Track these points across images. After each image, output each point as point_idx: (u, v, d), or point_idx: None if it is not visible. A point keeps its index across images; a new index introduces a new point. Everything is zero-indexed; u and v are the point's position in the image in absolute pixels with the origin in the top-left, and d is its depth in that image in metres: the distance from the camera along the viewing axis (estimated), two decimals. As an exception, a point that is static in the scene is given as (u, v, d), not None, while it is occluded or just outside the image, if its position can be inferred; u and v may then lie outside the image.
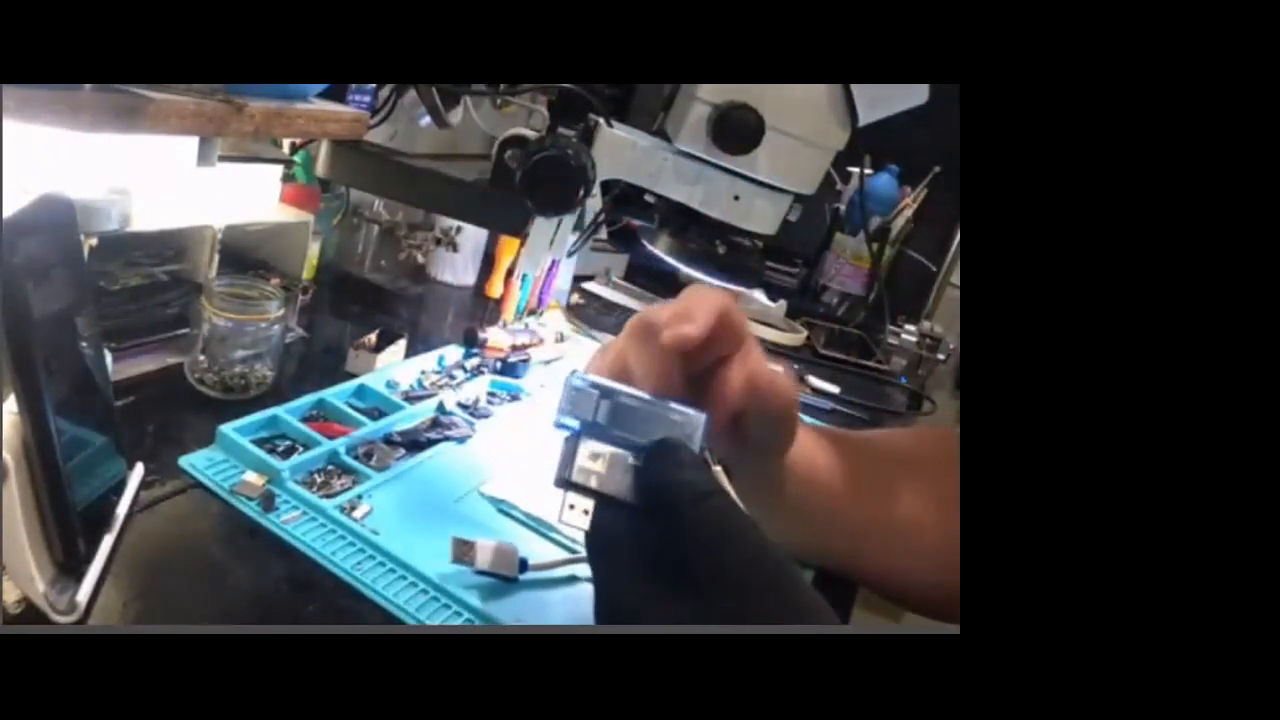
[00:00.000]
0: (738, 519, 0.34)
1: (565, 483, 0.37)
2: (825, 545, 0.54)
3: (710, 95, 0.70)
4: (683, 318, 0.40)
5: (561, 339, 0.87)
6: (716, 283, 0.77)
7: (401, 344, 0.73)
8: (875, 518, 0.52)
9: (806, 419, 0.49)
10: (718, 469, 0.38)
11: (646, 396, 0.38)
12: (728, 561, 0.32)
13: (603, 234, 0.86)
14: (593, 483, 0.36)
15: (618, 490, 0.36)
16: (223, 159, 0.64)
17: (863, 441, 0.57)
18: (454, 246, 1.01)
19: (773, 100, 0.70)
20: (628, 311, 1.13)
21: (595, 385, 0.38)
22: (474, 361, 0.76)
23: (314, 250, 0.85)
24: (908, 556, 0.52)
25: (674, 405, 0.38)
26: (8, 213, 0.34)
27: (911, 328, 1.24)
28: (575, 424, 0.38)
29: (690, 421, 0.38)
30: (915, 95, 0.72)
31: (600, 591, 0.36)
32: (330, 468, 0.55)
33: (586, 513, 0.37)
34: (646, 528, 0.35)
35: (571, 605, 0.48)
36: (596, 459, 0.37)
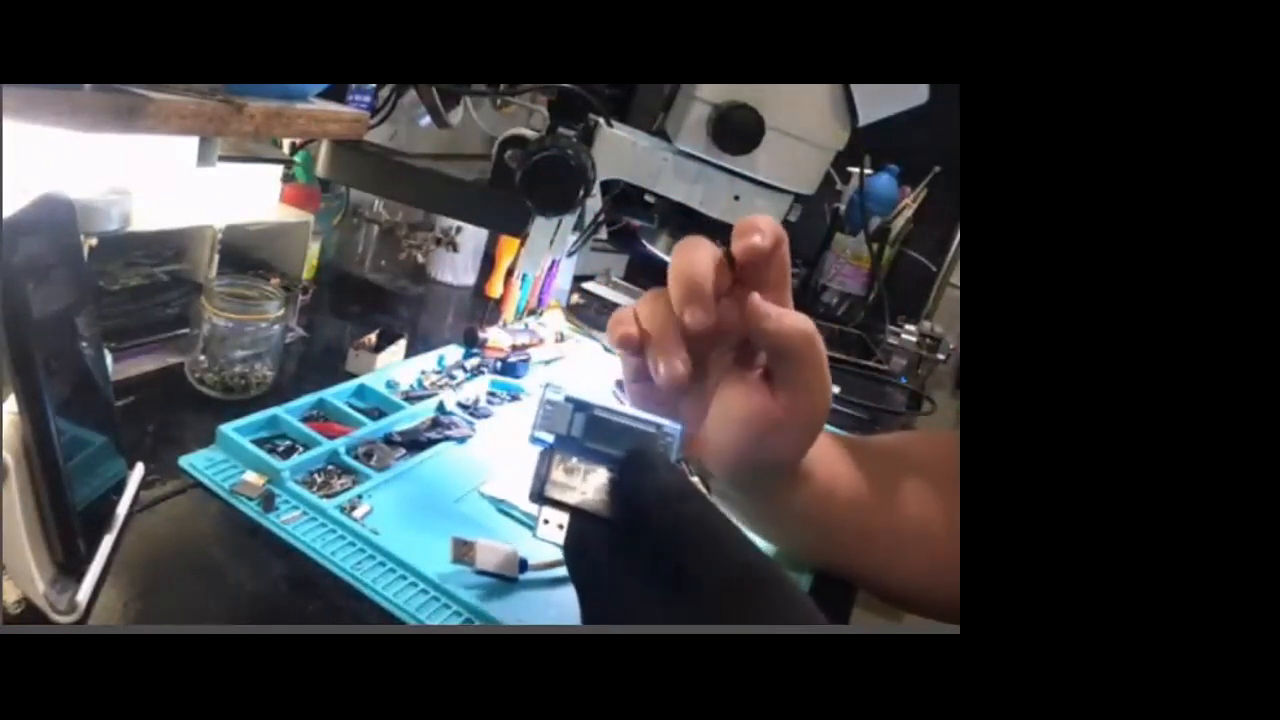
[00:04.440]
0: (715, 519, 0.33)
1: (540, 498, 0.36)
2: (832, 549, 0.54)
3: (710, 95, 0.71)
4: (752, 228, 0.41)
5: (561, 339, 0.87)
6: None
7: (401, 344, 0.73)
8: (888, 525, 0.51)
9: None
10: (695, 479, 0.37)
11: (621, 410, 0.38)
12: (707, 561, 0.32)
13: (603, 234, 0.86)
14: (567, 497, 0.36)
15: (593, 504, 0.36)
16: (223, 159, 0.64)
17: (880, 449, 0.56)
18: (454, 246, 1.01)
19: (773, 100, 0.70)
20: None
21: (569, 399, 0.38)
22: (474, 361, 0.76)
23: (314, 250, 0.85)
24: (916, 559, 0.52)
25: (650, 418, 0.38)
26: (8, 213, 0.34)
27: (911, 328, 1.24)
28: (550, 439, 0.38)
29: (665, 433, 0.38)
30: (915, 95, 0.72)
31: (584, 604, 0.35)
32: (330, 468, 0.55)
33: (561, 527, 0.37)
34: (624, 538, 0.35)
35: (571, 605, 0.47)
36: (571, 473, 0.36)
